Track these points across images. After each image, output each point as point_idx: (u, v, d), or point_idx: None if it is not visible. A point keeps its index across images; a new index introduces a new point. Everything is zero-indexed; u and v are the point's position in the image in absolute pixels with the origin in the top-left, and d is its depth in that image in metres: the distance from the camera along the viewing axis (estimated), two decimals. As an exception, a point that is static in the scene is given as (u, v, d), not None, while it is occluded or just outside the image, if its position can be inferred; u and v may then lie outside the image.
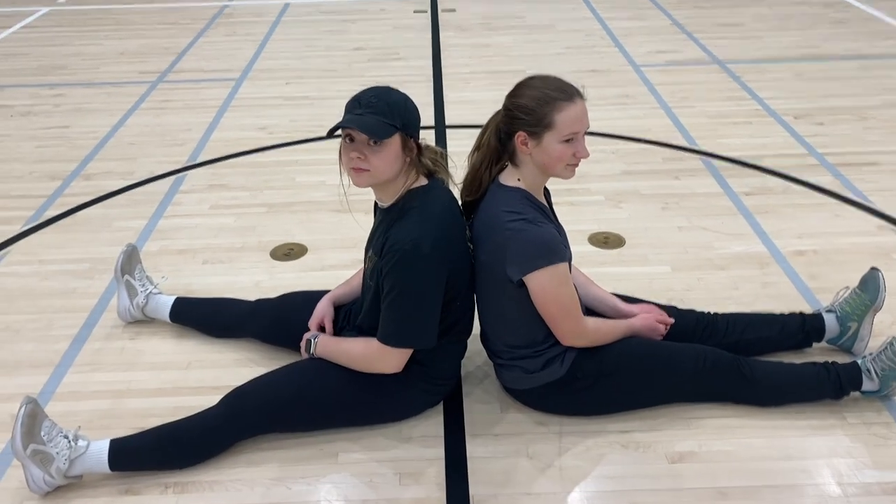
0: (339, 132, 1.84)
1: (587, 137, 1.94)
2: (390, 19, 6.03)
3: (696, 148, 3.73)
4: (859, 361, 2.10)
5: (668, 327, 2.16)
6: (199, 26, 5.92)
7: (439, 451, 2.02)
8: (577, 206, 3.22)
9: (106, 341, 2.48)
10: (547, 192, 2.09)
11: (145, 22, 6.09)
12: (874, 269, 2.27)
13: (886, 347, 2.05)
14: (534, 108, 1.85)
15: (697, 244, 2.93)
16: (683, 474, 1.94)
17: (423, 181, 1.93)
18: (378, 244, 1.92)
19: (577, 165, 1.92)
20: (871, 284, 2.23)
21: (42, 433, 1.86)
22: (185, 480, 1.94)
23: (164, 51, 5.37)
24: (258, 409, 1.98)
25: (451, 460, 1.99)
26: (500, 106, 1.99)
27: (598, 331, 2.02)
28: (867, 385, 2.07)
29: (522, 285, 1.91)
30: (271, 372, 2.05)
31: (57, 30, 5.97)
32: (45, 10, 6.53)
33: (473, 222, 2.01)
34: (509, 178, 1.97)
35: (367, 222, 2.18)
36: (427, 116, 4.16)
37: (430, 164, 1.93)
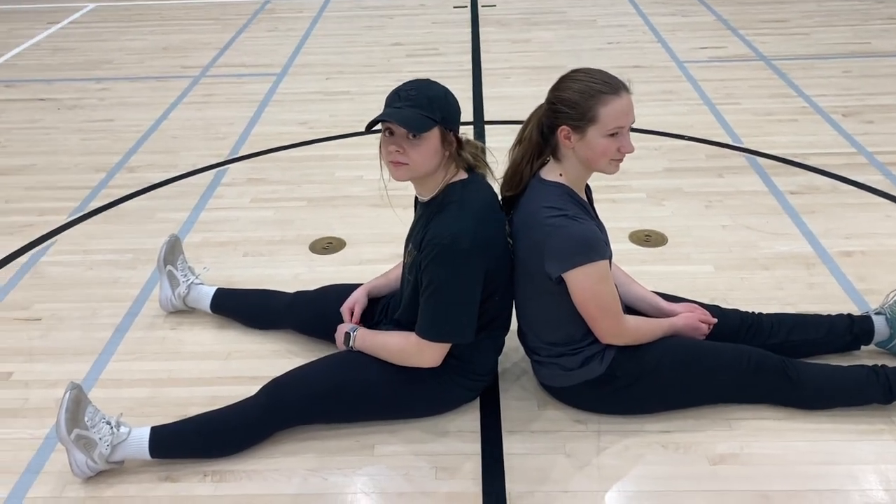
0: (378, 126, 1.84)
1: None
2: (429, 15, 6.03)
3: (741, 145, 3.66)
4: None
5: (711, 327, 2.12)
6: (242, 22, 5.99)
7: (476, 447, 2.01)
8: (618, 203, 3.18)
9: (148, 331, 2.51)
10: (588, 189, 2.06)
11: (188, 17, 6.18)
12: None
13: None
14: (578, 102, 1.82)
15: (741, 243, 2.87)
16: (725, 476, 1.90)
17: (463, 175, 1.91)
18: (417, 238, 1.91)
19: (621, 160, 1.88)
20: None
21: (86, 419, 1.89)
22: (223, 469, 1.96)
23: (207, 46, 5.44)
24: (296, 401, 1.99)
25: (488, 456, 1.98)
26: (539, 101, 1.96)
27: (638, 329, 1.99)
28: None
29: (561, 282, 1.88)
30: (309, 363, 2.06)
31: (103, 25, 6.08)
32: (92, 5, 6.66)
33: (513, 217, 1.99)
34: (551, 173, 1.94)
35: (406, 217, 2.17)
36: (466, 112, 4.14)
37: (471, 158, 1.91)
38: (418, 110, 1.77)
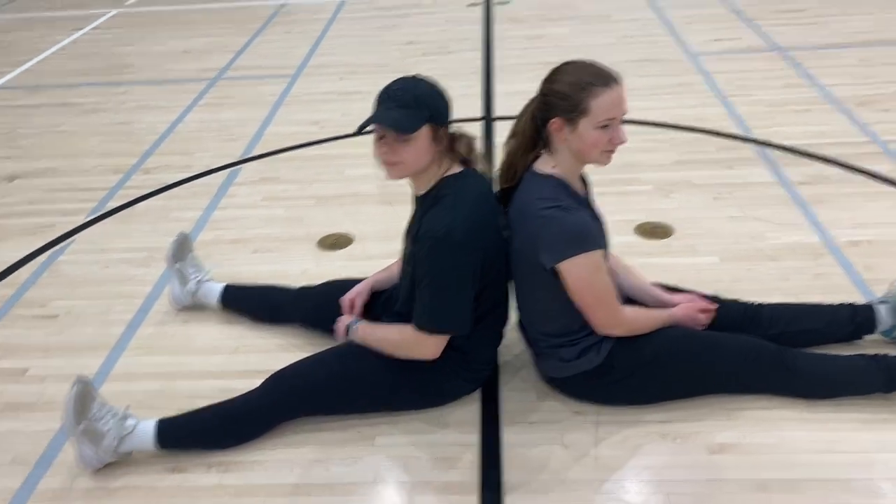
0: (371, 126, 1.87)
1: (630, 125, 1.91)
2: (443, 13, 6.05)
3: (751, 136, 3.63)
4: None
5: (711, 317, 2.12)
6: (258, 25, 6.06)
7: (475, 437, 2.03)
8: (625, 195, 3.18)
9: (159, 326, 2.57)
10: (585, 181, 2.07)
11: (207, 21, 6.27)
12: None
13: None
14: (569, 94, 1.83)
15: (749, 234, 2.86)
16: (724, 466, 1.90)
17: (457, 168, 1.94)
18: (413, 231, 1.94)
19: (613, 151, 1.89)
20: None
21: (93, 411, 1.95)
22: (228, 460, 2.01)
23: (224, 49, 5.52)
24: (297, 393, 2.03)
25: (487, 446, 2.00)
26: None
27: (635, 320, 1.99)
28: None
29: (556, 273, 1.90)
30: (311, 356, 2.10)
31: (124, 30, 6.20)
32: (114, 11, 6.79)
33: (508, 210, 2.01)
34: (544, 165, 1.96)
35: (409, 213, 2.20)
36: (475, 108, 4.17)
37: (464, 151, 1.93)
38: (405, 110, 1.79)
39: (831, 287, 2.51)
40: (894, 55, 4.50)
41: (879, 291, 2.45)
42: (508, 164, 2.00)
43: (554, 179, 1.93)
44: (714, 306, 2.12)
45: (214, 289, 2.56)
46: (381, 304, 2.24)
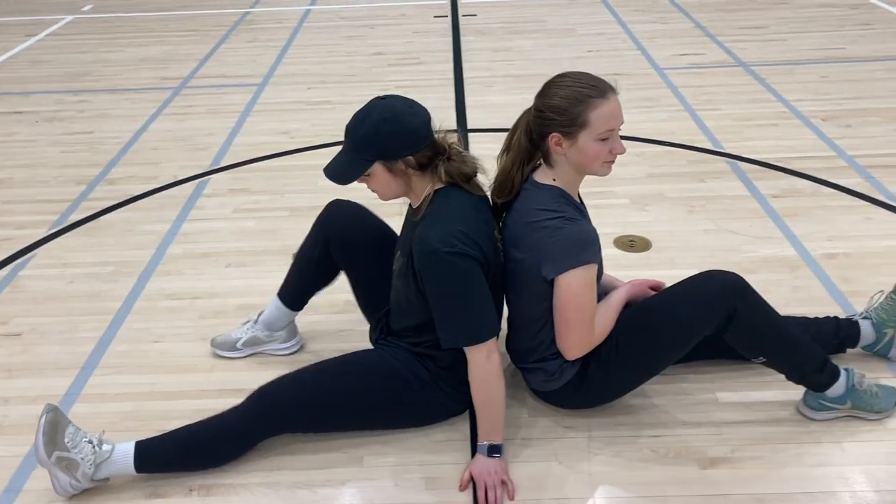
0: None
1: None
2: (410, 24, 6.03)
3: (722, 150, 3.68)
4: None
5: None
6: (222, 32, 5.96)
7: (466, 456, 1.99)
8: (601, 209, 3.17)
9: (130, 344, 2.47)
10: (580, 197, 2.04)
11: (167, 29, 6.14)
12: None
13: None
14: (567, 108, 1.81)
15: (725, 247, 2.88)
16: (716, 480, 1.90)
17: (447, 182, 1.89)
18: (406, 246, 1.90)
19: (613, 161, 1.88)
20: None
21: (66, 440, 1.84)
22: (209, 483, 1.93)
23: (187, 57, 5.40)
24: (282, 410, 1.95)
25: (479, 465, 1.96)
26: (522, 108, 1.96)
27: (602, 323, 1.91)
28: (837, 389, 1.99)
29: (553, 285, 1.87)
30: (296, 371, 2.03)
31: (81, 37, 6.03)
32: (69, 17, 6.60)
33: (507, 222, 1.98)
34: (544, 177, 1.93)
35: (393, 225, 2.16)
36: (448, 120, 4.15)
37: (445, 175, 1.87)
38: (350, 154, 1.83)
39: (810, 299, 2.54)
40: (850, 72, 4.62)
41: (857, 303, 2.49)
42: (504, 178, 1.97)
43: (556, 189, 1.90)
44: (663, 283, 2.07)
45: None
46: (376, 327, 2.15)
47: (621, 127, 1.87)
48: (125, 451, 1.89)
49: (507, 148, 1.97)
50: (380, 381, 1.97)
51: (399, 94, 1.89)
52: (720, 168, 3.52)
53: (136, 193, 3.48)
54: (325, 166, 1.86)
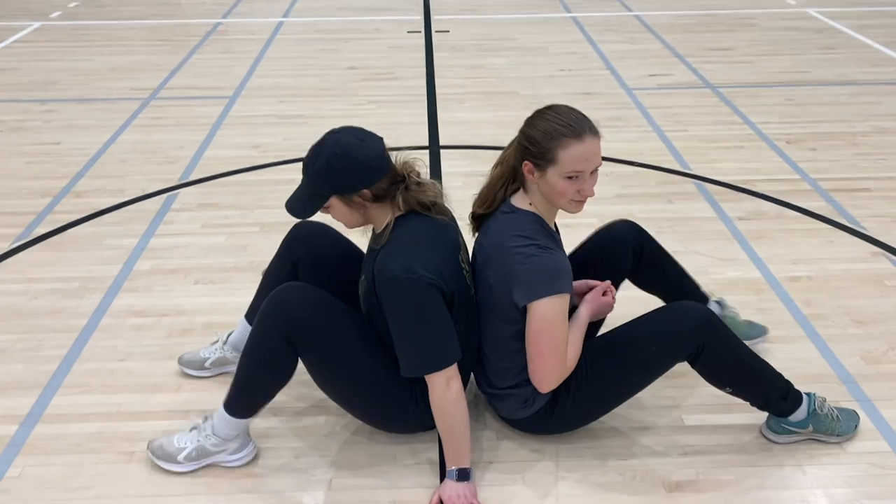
0: None
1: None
2: (385, 39, 6.05)
3: (689, 171, 3.74)
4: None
5: (614, 293, 2.08)
6: (193, 43, 5.92)
7: (435, 479, 1.99)
8: (571, 227, 3.18)
9: (96, 362, 2.44)
10: (556, 225, 2.06)
11: (137, 38, 6.08)
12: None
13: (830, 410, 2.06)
14: (539, 141, 1.83)
15: (691, 269, 2.89)
16: (682, 503, 1.92)
17: (406, 211, 1.89)
18: (369, 271, 1.90)
19: (583, 202, 1.89)
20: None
21: (177, 445, 1.99)
22: (175, 507, 1.91)
23: (157, 67, 5.35)
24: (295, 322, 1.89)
25: (447, 488, 1.96)
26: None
27: (571, 349, 1.91)
28: (799, 414, 2.03)
29: (525, 312, 1.88)
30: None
31: (48, 45, 5.95)
32: (37, 24, 6.51)
33: (482, 242, 1.99)
34: (521, 201, 1.95)
35: (361, 242, 2.16)
36: (421, 136, 4.16)
37: (403, 203, 1.87)
38: (307, 188, 1.87)
39: (775, 322, 2.58)
40: (814, 95, 4.73)
41: (819, 326, 2.55)
42: (489, 190, 1.99)
43: (532, 216, 1.92)
44: (607, 283, 2.09)
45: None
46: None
47: (601, 164, 1.87)
48: (221, 416, 1.98)
49: (499, 162, 1.99)
50: (374, 376, 1.93)
51: (353, 126, 1.90)
52: (687, 189, 3.58)
53: (103, 207, 3.44)
54: (286, 200, 1.90)
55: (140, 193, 3.57)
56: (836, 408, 2.10)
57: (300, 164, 1.91)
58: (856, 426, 2.10)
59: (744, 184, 3.60)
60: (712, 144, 4.05)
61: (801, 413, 2.03)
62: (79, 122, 4.43)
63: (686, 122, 4.36)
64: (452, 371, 1.84)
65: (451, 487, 1.87)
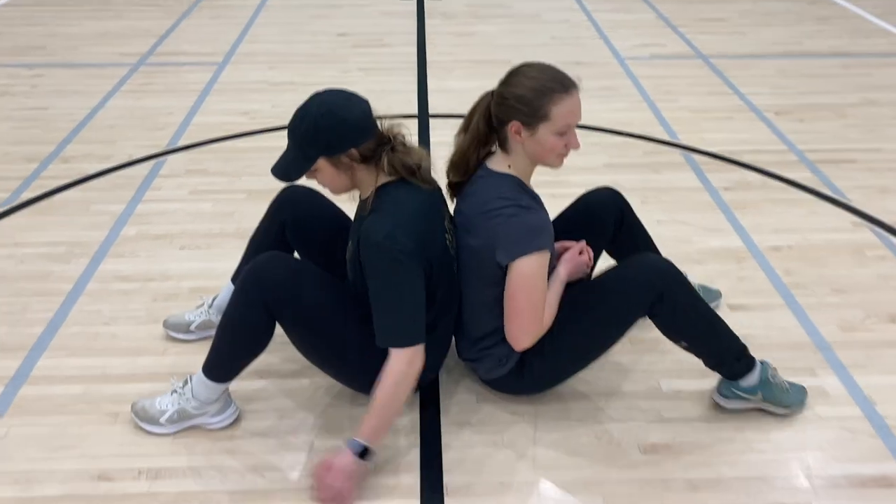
0: None
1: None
2: (376, 5, 5.99)
3: (678, 142, 3.75)
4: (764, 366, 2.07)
5: (591, 253, 2.09)
6: (183, 8, 5.86)
7: (415, 440, 2.03)
8: (557, 197, 3.19)
9: (81, 326, 2.46)
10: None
11: (127, 3, 6.01)
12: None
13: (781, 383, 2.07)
14: (530, 100, 1.84)
15: (675, 238, 2.95)
16: (656, 466, 1.96)
17: (391, 174, 1.89)
18: (355, 234, 1.92)
19: (566, 155, 1.93)
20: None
21: (158, 407, 2.02)
22: (157, 467, 1.94)
23: (146, 33, 5.31)
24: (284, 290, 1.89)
25: (427, 449, 2.00)
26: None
27: (547, 309, 1.94)
28: (751, 379, 2.05)
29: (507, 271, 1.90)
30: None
31: (36, 9, 5.88)
32: (24, -12, 6.42)
33: (462, 208, 2.01)
34: (499, 164, 1.96)
35: (348, 210, 2.17)
36: (410, 105, 4.15)
37: (388, 167, 1.86)
38: (293, 152, 1.84)
39: (755, 291, 2.62)
40: (805, 67, 4.72)
41: (799, 295, 2.58)
42: (460, 157, 2.00)
43: (512, 178, 1.94)
44: (583, 242, 2.11)
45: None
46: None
47: (581, 118, 1.91)
48: (199, 379, 1.99)
49: (464, 129, 2.00)
50: (361, 344, 1.92)
51: (337, 88, 1.89)
52: (675, 159, 3.58)
53: (90, 172, 3.43)
54: (272, 165, 1.87)
55: (128, 159, 3.56)
56: (787, 381, 2.10)
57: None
58: (803, 401, 2.11)
59: (731, 154, 3.61)
60: (702, 115, 4.05)
61: (752, 379, 2.05)
62: (66, 87, 4.40)
63: (677, 92, 4.35)
64: (419, 351, 1.83)
65: (344, 463, 1.81)
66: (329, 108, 1.80)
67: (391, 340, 1.84)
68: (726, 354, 2.04)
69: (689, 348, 2.05)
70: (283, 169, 1.86)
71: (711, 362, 2.06)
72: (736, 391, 2.07)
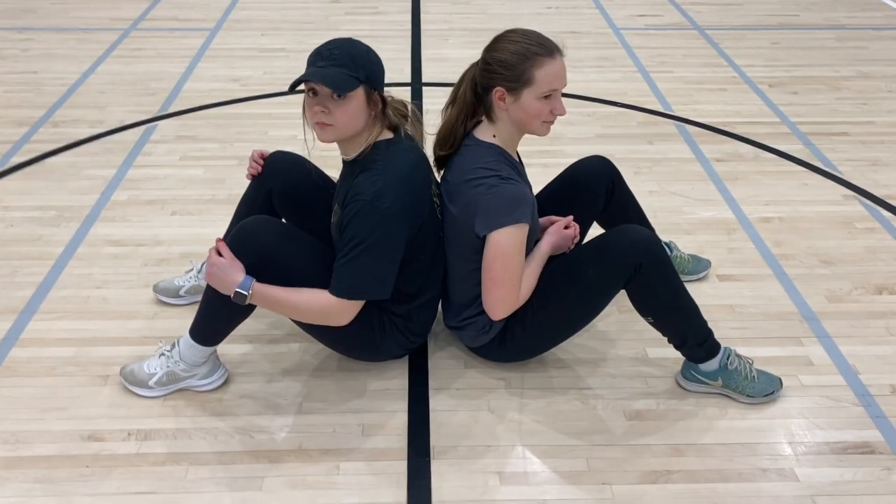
0: (302, 86, 1.82)
1: (564, 98, 1.93)
2: (370, -27, 5.91)
3: (671, 113, 3.74)
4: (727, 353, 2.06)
5: (576, 228, 2.08)
6: (174, -27, 5.77)
7: (402, 404, 2.05)
8: (550, 168, 3.19)
9: (72, 289, 2.46)
10: (519, 157, 2.07)
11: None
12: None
13: (748, 367, 2.05)
14: (514, 64, 1.83)
15: (667, 209, 2.95)
16: (640, 431, 1.98)
17: (389, 135, 1.91)
18: (341, 197, 1.91)
19: (553, 122, 1.91)
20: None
21: (147, 370, 2.03)
22: (147, 428, 1.96)
23: (138, -3, 5.25)
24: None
25: (414, 413, 2.02)
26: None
27: (526, 280, 1.95)
28: (710, 365, 2.04)
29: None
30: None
31: (26, -28, 5.79)
32: (13, -50, 6.32)
33: (446, 177, 2.00)
34: (484, 133, 1.96)
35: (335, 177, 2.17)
36: (404, 73, 4.13)
37: (396, 117, 1.90)
38: (342, 69, 1.76)
39: (744, 261, 2.63)
40: (800, 39, 4.70)
41: (787, 266, 2.59)
42: (447, 131, 1.99)
43: (494, 148, 1.93)
44: (569, 217, 2.10)
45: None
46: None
47: (566, 84, 1.90)
48: (187, 342, 2.00)
49: (452, 101, 1.99)
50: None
51: None
52: (668, 130, 3.58)
53: (81, 137, 3.41)
54: (314, 74, 1.76)
55: (119, 125, 3.54)
56: (759, 371, 2.07)
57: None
58: (773, 392, 2.06)
59: (724, 126, 3.60)
60: (696, 86, 4.04)
61: (712, 364, 2.03)
62: (57, 51, 4.36)
63: (672, 63, 4.33)
64: (358, 307, 1.87)
65: (226, 265, 1.84)
66: (371, 48, 1.84)
67: (343, 291, 1.83)
68: (690, 337, 2.01)
69: (654, 324, 2.03)
70: (336, 80, 1.75)
71: (675, 342, 2.04)
72: (696, 375, 2.07)
